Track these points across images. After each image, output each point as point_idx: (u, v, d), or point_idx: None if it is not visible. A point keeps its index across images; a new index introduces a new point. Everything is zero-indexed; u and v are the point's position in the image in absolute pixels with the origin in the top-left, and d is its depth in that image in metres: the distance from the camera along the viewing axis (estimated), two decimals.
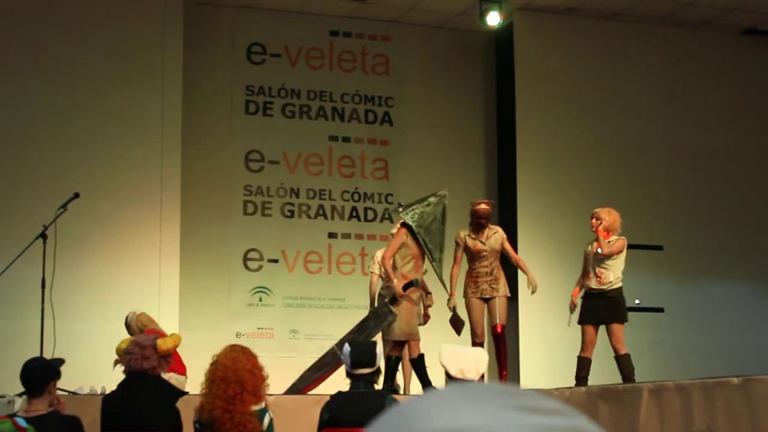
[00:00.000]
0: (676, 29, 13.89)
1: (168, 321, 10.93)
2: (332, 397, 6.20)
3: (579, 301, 9.54)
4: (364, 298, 10.91)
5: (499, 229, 10.21)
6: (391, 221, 12.38)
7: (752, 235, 13.81)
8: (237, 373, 5.69)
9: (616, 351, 9.16)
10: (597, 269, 9.26)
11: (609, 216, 9.43)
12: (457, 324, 9.98)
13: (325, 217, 13.47)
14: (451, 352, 6.19)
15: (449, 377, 6.06)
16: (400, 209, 10.00)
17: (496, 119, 14.14)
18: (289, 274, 13.23)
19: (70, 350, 9.15)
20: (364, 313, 10.40)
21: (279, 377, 7.33)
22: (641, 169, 13.64)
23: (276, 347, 12.60)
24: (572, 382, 9.47)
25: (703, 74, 14.07)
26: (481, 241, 9.97)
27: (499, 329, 9.90)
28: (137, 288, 11.59)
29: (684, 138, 13.87)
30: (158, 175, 12.24)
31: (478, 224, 10.01)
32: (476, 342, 9.78)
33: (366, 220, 13.60)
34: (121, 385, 6.15)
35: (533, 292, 10.12)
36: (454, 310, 9.98)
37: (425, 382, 9.48)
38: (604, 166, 13.53)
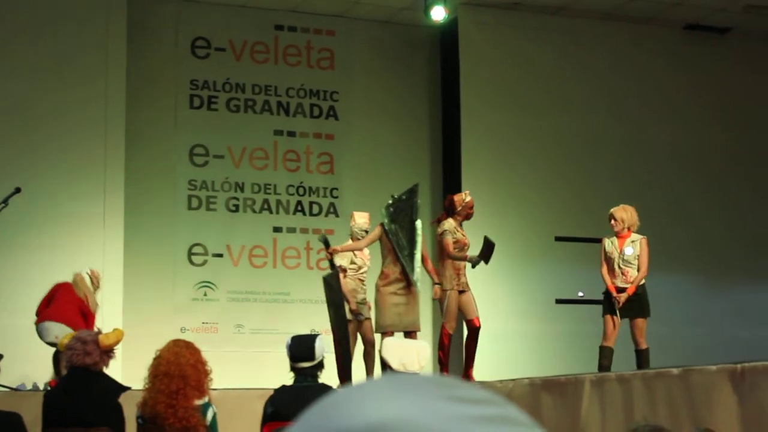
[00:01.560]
0: (619, 24, 14.01)
1: (112, 316, 10.86)
2: (276, 391, 6.20)
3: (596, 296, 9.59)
4: (309, 292, 10.89)
5: None
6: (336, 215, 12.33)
7: (696, 228, 13.95)
8: (180, 368, 5.68)
9: (637, 344, 9.26)
10: (623, 267, 9.37)
11: (625, 214, 9.47)
12: (489, 249, 9.80)
13: (270, 212, 13.43)
14: (394, 345, 6.22)
15: (391, 370, 6.08)
16: (390, 201, 9.92)
17: (441, 113, 14.17)
18: (234, 268, 13.18)
19: (12, 346, 9.08)
20: (309, 306, 10.38)
21: (223, 372, 7.31)
22: (586, 162, 13.73)
23: (221, 342, 12.55)
24: (516, 375, 9.53)
25: (646, 69, 14.18)
26: (463, 234, 9.97)
27: (477, 322, 9.90)
28: None
29: (628, 131, 13.98)
30: (102, 169, 12.14)
31: (467, 216, 9.99)
32: (450, 334, 9.80)
33: (311, 214, 13.58)
34: (62, 381, 6.11)
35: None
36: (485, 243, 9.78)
37: (369, 374, 9.50)
38: (548, 159, 13.61)
